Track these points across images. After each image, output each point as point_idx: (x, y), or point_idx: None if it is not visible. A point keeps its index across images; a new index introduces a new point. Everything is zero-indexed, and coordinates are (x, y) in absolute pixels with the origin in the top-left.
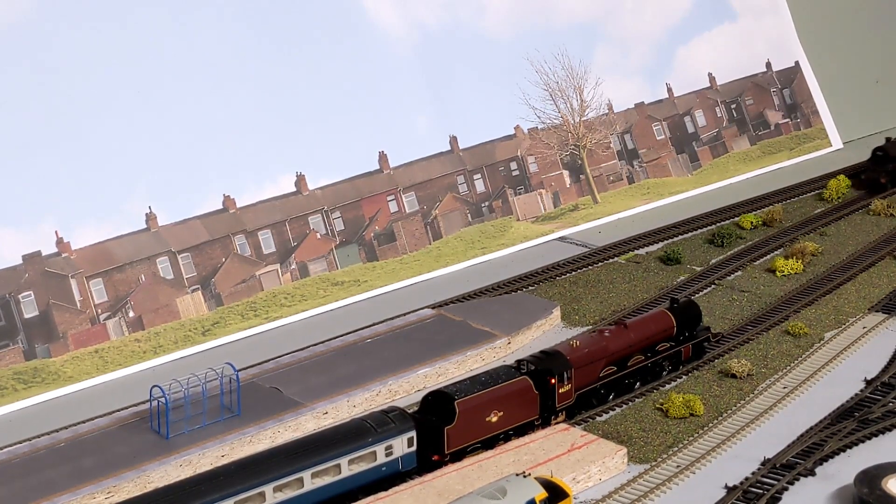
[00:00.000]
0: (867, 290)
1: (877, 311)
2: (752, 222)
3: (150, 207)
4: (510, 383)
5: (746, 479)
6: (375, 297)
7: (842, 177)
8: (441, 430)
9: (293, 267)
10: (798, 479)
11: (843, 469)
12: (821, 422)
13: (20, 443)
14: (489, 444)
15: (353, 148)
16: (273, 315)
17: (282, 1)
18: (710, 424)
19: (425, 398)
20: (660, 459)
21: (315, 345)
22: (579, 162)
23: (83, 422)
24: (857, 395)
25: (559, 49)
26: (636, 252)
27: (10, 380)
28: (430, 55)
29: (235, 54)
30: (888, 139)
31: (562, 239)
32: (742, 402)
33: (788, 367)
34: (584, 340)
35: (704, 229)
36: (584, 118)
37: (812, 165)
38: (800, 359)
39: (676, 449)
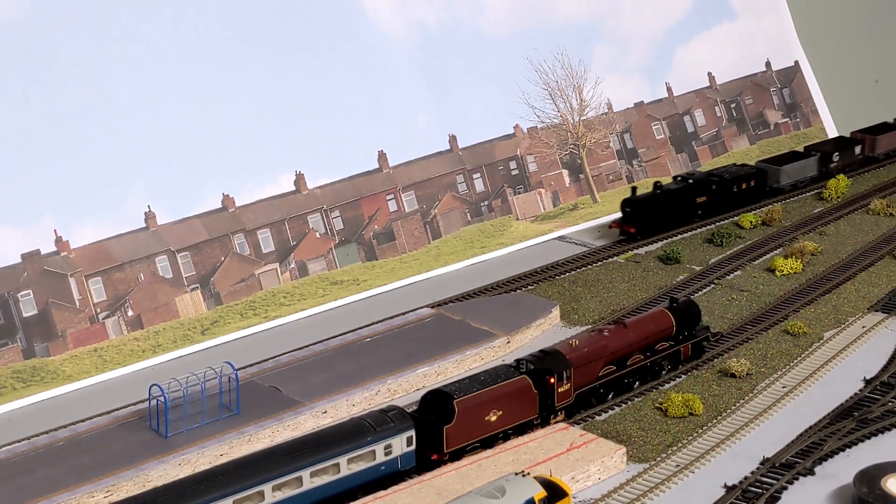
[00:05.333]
0: (866, 289)
1: (876, 311)
2: (751, 222)
3: (149, 206)
4: (509, 382)
5: (746, 478)
6: (374, 297)
7: (841, 176)
8: (440, 430)
9: (292, 266)
10: (797, 479)
11: (843, 468)
12: (820, 421)
13: (19, 441)
14: (488, 443)
15: (353, 147)
16: (272, 314)
17: (281, 1)
18: (710, 424)
19: (424, 397)
20: (659, 459)
21: (314, 344)
22: (579, 161)
23: (82, 420)
24: (856, 394)
25: (559, 48)
26: (635, 251)
27: (8, 378)
28: (429, 54)
29: (235, 53)
30: None
31: (561, 238)
32: (741, 401)
33: (788, 367)
34: (584, 340)
35: (704, 229)
36: (584, 117)
37: None
38: (799, 358)
39: (676, 448)
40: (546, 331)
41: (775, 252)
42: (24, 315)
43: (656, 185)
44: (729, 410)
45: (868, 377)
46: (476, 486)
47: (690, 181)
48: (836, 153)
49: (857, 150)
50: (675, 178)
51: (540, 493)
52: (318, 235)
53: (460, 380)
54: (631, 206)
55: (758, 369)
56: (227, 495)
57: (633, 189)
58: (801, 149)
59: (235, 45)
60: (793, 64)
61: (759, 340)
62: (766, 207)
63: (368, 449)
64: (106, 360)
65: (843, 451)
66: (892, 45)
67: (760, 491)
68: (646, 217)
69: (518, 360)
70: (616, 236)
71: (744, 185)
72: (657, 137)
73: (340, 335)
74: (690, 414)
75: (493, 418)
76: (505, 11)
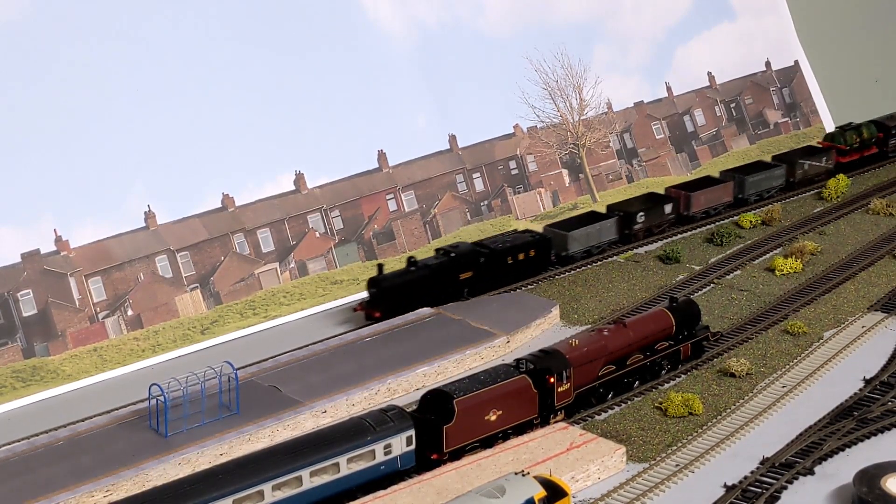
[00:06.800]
0: (866, 289)
1: (876, 311)
2: (751, 221)
3: (148, 206)
4: (509, 382)
5: (745, 477)
6: None
7: (841, 176)
8: (440, 429)
9: (292, 265)
10: (797, 478)
11: (842, 468)
12: (820, 421)
13: (19, 441)
14: (488, 442)
15: (353, 146)
16: (272, 314)
17: (281, 1)
18: (709, 423)
19: (424, 397)
20: (659, 458)
21: (314, 344)
22: (578, 161)
23: (82, 420)
24: (856, 394)
25: (558, 48)
26: (635, 251)
27: (8, 378)
28: (429, 54)
29: (235, 54)
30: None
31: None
32: (741, 401)
33: (787, 367)
34: (584, 339)
35: (703, 228)
36: (584, 117)
37: None
38: (799, 358)
39: (675, 448)
40: (546, 330)
41: (775, 252)
42: (24, 315)
43: (410, 260)
44: (729, 410)
45: (868, 377)
46: (476, 486)
47: (452, 255)
48: (641, 213)
49: (668, 208)
50: (437, 250)
51: (540, 492)
52: (317, 235)
53: (460, 379)
54: (377, 287)
55: (758, 369)
56: (227, 495)
57: (380, 266)
58: (604, 209)
59: (235, 46)
60: (793, 64)
61: (759, 340)
62: (765, 207)
63: (368, 448)
64: (106, 359)
65: (843, 450)
66: (892, 45)
67: (760, 491)
68: (394, 300)
69: (518, 360)
70: (363, 320)
71: (521, 256)
72: (657, 137)
73: (340, 335)
74: (690, 414)
75: (493, 418)
76: (505, 11)
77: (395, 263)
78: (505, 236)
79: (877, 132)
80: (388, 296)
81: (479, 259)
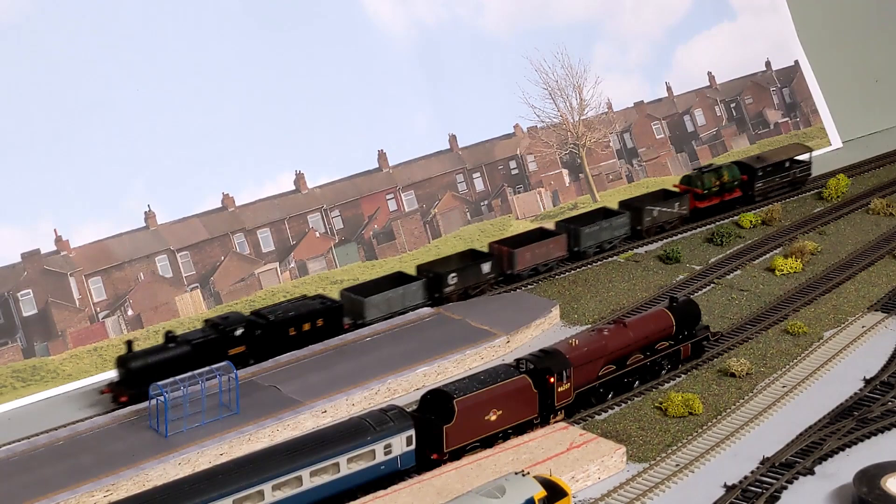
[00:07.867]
0: (866, 289)
1: (876, 311)
2: (751, 221)
3: (148, 206)
4: (509, 382)
5: (745, 477)
6: None
7: (841, 175)
8: (440, 429)
9: (292, 265)
10: (797, 478)
11: (843, 468)
12: (820, 421)
13: (19, 441)
14: (488, 442)
15: (353, 146)
16: None
17: (282, 1)
18: (710, 423)
19: (424, 397)
20: (659, 458)
21: (314, 343)
22: (578, 161)
23: (82, 420)
24: (856, 394)
25: (559, 48)
26: (635, 251)
27: (8, 377)
28: (429, 54)
29: (235, 53)
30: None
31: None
32: (741, 400)
33: (788, 366)
34: (584, 339)
35: (704, 228)
36: (584, 117)
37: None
38: (799, 358)
39: (675, 448)
40: (546, 330)
41: (775, 251)
42: (24, 314)
43: (168, 335)
44: (729, 410)
45: (868, 377)
46: (476, 486)
47: (221, 327)
48: (453, 274)
49: (487, 267)
50: (206, 321)
51: (540, 492)
52: (317, 235)
53: (460, 379)
54: (125, 367)
55: (758, 369)
56: (227, 495)
57: (129, 343)
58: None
59: (235, 45)
60: (793, 64)
61: (758, 340)
62: (765, 207)
63: (368, 448)
64: (106, 359)
65: (843, 450)
66: (892, 45)
67: (760, 490)
68: (147, 382)
69: (518, 360)
70: (111, 403)
71: (306, 326)
72: (657, 137)
73: (340, 334)
74: (690, 413)
75: (493, 418)
76: (505, 11)
77: (394, 263)
78: (290, 303)
79: (740, 174)
80: (139, 377)
81: (255, 331)
